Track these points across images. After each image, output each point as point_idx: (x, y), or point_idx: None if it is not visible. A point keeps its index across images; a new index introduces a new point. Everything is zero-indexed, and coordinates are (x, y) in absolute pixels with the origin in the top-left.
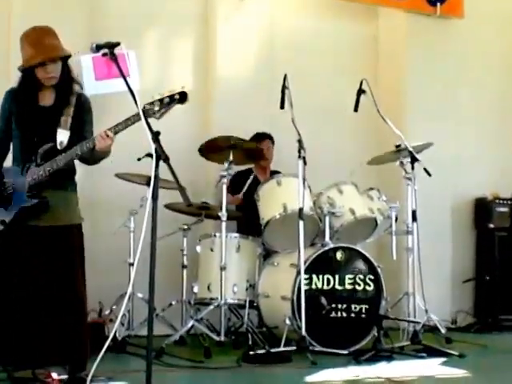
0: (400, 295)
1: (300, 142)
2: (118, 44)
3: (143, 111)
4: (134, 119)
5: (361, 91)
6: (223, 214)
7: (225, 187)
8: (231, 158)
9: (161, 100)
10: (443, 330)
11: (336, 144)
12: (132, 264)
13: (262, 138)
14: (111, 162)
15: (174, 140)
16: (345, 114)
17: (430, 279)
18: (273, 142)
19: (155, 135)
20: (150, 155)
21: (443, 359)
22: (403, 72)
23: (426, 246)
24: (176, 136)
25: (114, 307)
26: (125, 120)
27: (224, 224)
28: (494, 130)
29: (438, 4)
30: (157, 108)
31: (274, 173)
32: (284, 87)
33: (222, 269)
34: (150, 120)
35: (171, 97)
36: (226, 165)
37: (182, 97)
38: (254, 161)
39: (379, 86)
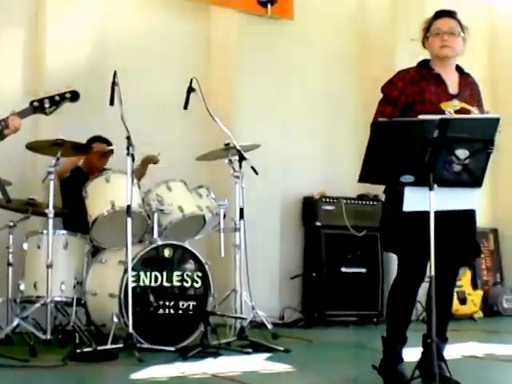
0: (228, 292)
1: (129, 138)
2: None
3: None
4: None
5: (191, 89)
6: (50, 211)
7: (52, 184)
8: (59, 154)
9: (51, 98)
10: (270, 326)
11: (168, 141)
12: None
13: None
14: None
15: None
16: (177, 111)
17: (259, 276)
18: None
19: None
20: None
21: (269, 354)
22: (235, 71)
23: (255, 243)
24: None
25: None
26: None
27: (51, 221)
28: (324, 130)
29: (269, 5)
30: (47, 105)
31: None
32: (113, 84)
33: (49, 266)
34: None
35: (62, 95)
36: (53, 161)
37: (74, 95)
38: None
39: (211, 85)
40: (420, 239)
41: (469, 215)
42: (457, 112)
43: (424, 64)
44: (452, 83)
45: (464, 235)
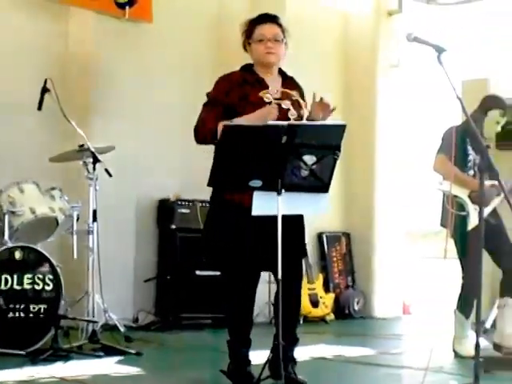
0: (81, 295)
1: None
2: None
3: None
4: None
5: (45, 90)
6: None
7: None
8: None
9: None
10: (122, 329)
11: (21, 142)
12: None
13: None
14: None
15: None
16: (32, 112)
17: (113, 279)
18: None
19: None
20: None
21: (120, 358)
22: (91, 72)
23: (109, 246)
24: None
25: None
26: None
27: None
28: (177, 132)
29: (127, 7)
30: None
31: None
32: None
33: None
34: None
35: None
36: None
37: None
38: None
39: (67, 86)
40: (247, 245)
41: (296, 219)
42: (280, 99)
43: (247, 68)
44: (275, 88)
45: (291, 238)
